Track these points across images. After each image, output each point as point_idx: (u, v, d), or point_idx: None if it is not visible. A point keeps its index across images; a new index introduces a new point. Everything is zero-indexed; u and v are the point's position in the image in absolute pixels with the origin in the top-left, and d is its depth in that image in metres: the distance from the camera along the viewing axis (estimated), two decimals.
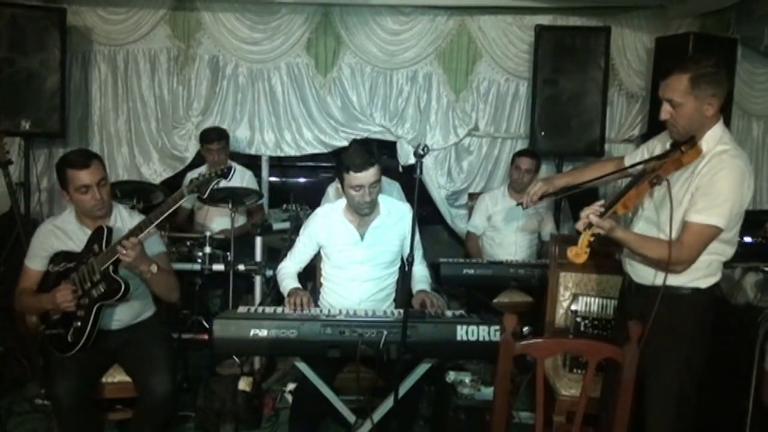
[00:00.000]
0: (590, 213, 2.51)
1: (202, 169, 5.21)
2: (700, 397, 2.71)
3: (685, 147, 2.53)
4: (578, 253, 2.50)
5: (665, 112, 2.58)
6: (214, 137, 5.07)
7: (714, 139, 2.55)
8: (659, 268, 2.60)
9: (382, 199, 3.38)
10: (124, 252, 2.96)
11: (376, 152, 3.19)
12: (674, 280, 2.58)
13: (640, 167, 2.77)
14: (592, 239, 2.50)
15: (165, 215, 3.07)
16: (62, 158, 3.23)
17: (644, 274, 2.73)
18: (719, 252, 2.62)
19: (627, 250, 2.79)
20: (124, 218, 3.36)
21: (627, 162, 2.99)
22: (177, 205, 3.08)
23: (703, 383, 2.70)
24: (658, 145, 2.83)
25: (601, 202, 2.60)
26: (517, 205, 3.31)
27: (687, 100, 2.51)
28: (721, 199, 2.46)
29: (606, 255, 3.39)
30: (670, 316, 2.59)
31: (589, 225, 2.50)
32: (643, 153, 2.90)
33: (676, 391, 2.63)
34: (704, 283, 2.64)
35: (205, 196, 3.13)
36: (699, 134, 2.56)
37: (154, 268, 3.13)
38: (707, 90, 2.49)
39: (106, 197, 3.21)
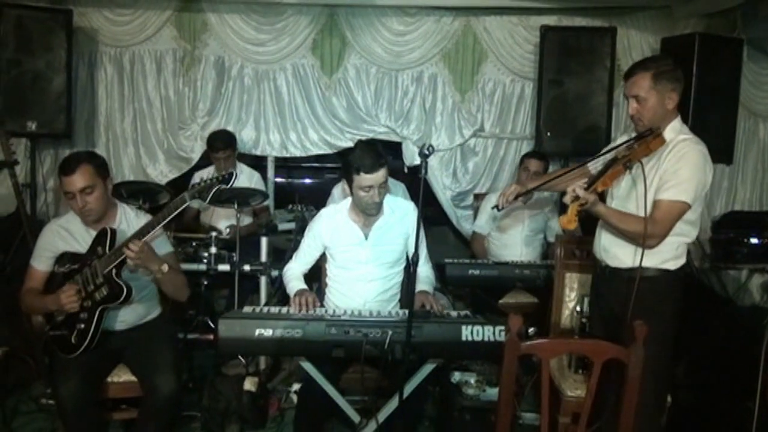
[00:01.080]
0: (576, 187, 2.74)
1: (211, 170, 5.24)
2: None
3: (651, 135, 2.82)
4: (570, 219, 2.71)
5: (632, 108, 2.89)
6: (219, 146, 5.09)
7: (674, 130, 2.88)
8: (635, 243, 2.84)
9: (386, 198, 3.38)
10: (132, 255, 2.97)
11: (383, 153, 3.20)
12: (646, 262, 2.80)
13: (611, 154, 3.03)
14: (579, 208, 2.72)
15: (168, 219, 3.07)
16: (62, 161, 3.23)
17: (620, 257, 2.97)
18: (685, 233, 2.89)
19: (601, 235, 3.09)
20: (129, 219, 3.36)
21: (590, 166, 3.26)
22: (179, 210, 3.07)
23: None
24: (619, 138, 3.18)
25: (585, 180, 2.88)
26: (492, 208, 3.46)
27: (650, 95, 2.83)
28: (686, 177, 2.75)
29: None
30: (643, 297, 2.80)
31: (576, 198, 2.72)
32: (606, 155, 3.12)
33: (655, 370, 2.73)
34: (673, 265, 2.91)
35: (207, 201, 3.13)
36: (662, 126, 2.86)
37: (165, 268, 3.14)
38: (667, 85, 2.83)
39: (94, 204, 3.17)
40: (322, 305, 3.31)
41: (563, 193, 2.84)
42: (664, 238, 2.81)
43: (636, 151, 2.82)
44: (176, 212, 3.07)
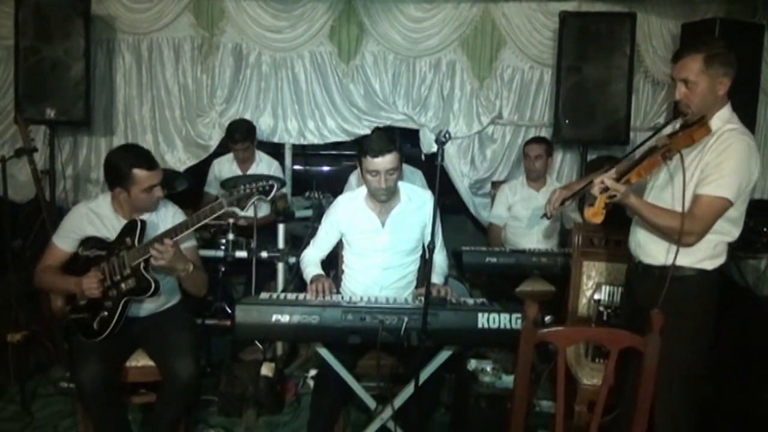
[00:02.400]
0: (605, 177, 2.62)
1: (230, 157, 5.25)
2: (722, 387, 2.72)
3: (695, 126, 2.65)
4: (596, 212, 2.62)
5: (680, 92, 2.69)
6: (238, 138, 5.11)
7: (722, 119, 2.67)
8: (671, 240, 2.67)
9: (403, 186, 3.39)
10: (159, 255, 3.01)
11: (398, 140, 3.19)
12: (681, 261, 2.66)
13: (651, 142, 2.84)
14: (608, 201, 2.61)
15: (202, 222, 3.09)
16: (124, 158, 3.21)
17: (654, 253, 2.80)
18: (725, 232, 2.70)
19: (636, 230, 2.92)
20: (158, 210, 3.39)
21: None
22: (215, 215, 3.08)
23: (728, 374, 2.71)
24: (668, 128, 2.90)
25: (614, 171, 2.76)
26: (542, 217, 3.31)
27: (701, 79, 2.62)
28: (729, 171, 2.56)
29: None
30: (677, 297, 2.64)
31: (605, 189, 2.60)
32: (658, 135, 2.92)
33: (684, 370, 2.68)
34: (710, 265, 2.72)
35: (245, 211, 3.12)
36: (709, 114, 2.67)
37: (190, 267, 3.19)
38: (719, 69, 2.62)
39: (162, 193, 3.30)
40: (338, 292, 3.32)
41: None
42: (702, 236, 2.63)
43: (678, 140, 2.64)
44: (213, 216, 3.08)
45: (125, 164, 3.17)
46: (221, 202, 3.06)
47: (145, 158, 3.21)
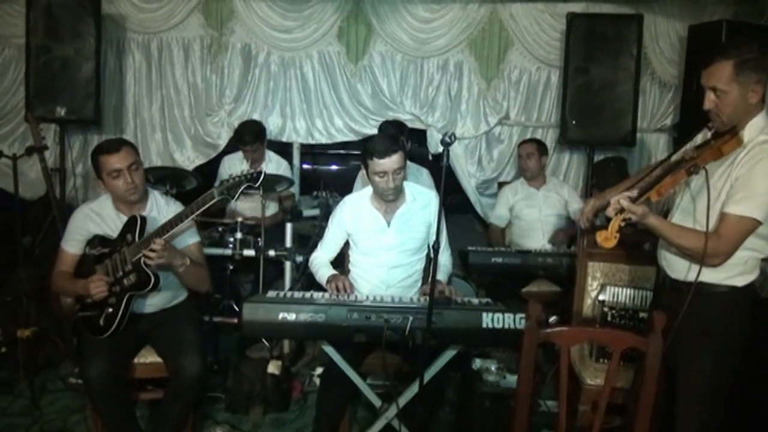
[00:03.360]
0: (621, 198, 2.45)
1: (240, 155, 5.28)
2: (734, 395, 2.64)
3: (726, 136, 2.46)
4: (608, 237, 2.45)
5: (709, 101, 2.50)
6: (249, 140, 5.12)
7: (756, 128, 2.47)
8: (694, 261, 2.52)
9: (408, 186, 3.41)
10: (152, 255, 3.03)
11: (406, 134, 3.20)
12: (710, 277, 2.51)
13: (677, 155, 2.69)
14: (623, 224, 2.44)
15: (196, 214, 3.10)
16: (96, 147, 3.30)
17: (679, 268, 2.64)
18: (756, 248, 2.53)
19: (662, 242, 2.73)
20: (160, 206, 3.42)
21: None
22: (207, 206, 3.09)
23: (739, 381, 2.65)
24: (699, 137, 2.72)
25: (632, 188, 2.56)
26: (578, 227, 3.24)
27: (731, 88, 2.43)
28: (761, 190, 2.38)
29: (635, 245, 3.37)
30: (705, 314, 2.53)
31: (621, 210, 2.44)
32: (686, 147, 2.75)
33: (708, 389, 2.56)
34: (741, 281, 2.54)
35: (235, 199, 3.14)
36: (741, 123, 2.48)
37: (187, 261, 3.20)
38: (752, 76, 2.41)
39: (138, 181, 3.25)
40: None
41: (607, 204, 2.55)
42: (728, 257, 2.47)
43: (705, 153, 2.46)
44: (204, 207, 3.09)
45: (94, 152, 3.22)
46: (212, 192, 3.08)
47: (110, 143, 3.23)
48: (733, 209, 2.41)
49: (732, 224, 2.42)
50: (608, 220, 2.50)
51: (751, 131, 2.47)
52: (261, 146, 5.22)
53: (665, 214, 2.83)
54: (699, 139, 2.70)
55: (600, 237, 2.47)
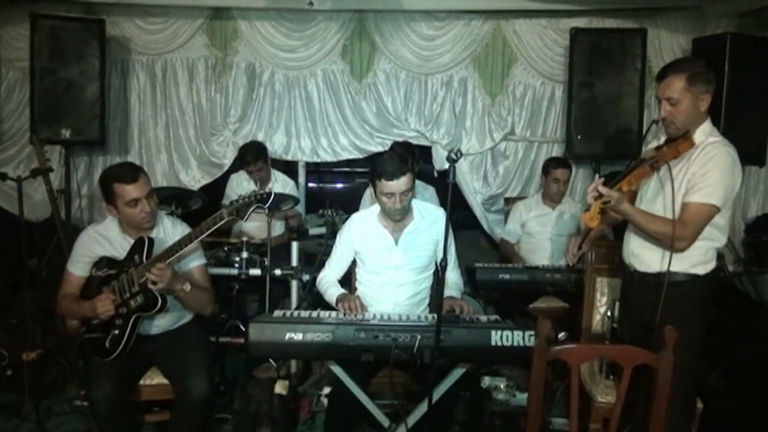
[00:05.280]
0: (598, 185, 2.75)
1: (246, 175, 5.29)
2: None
3: (680, 139, 2.79)
4: (592, 216, 2.77)
5: (665, 110, 2.83)
6: (251, 159, 5.14)
7: (705, 132, 2.84)
8: (663, 246, 2.83)
9: (416, 204, 3.39)
10: (155, 278, 3.02)
11: (416, 155, 3.19)
12: (674, 267, 2.79)
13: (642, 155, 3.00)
14: (603, 206, 2.76)
15: (204, 235, 3.09)
16: (107, 173, 3.26)
17: (649, 261, 2.94)
18: (714, 238, 2.86)
19: (629, 240, 3.07)
20: (166, 228, 3.41)
21: None
22: (217, 227, 3.08)
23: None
24: (654, 142, 3.06)
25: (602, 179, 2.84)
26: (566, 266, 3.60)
27: (684, 97, 2.78)
28: (714, 180, 2.73)
29: None
30: (670, 302, 2.77)
31: (599, 195, 2.73)
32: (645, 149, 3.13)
33: (679, 372, 2.61)
34: (702, 270, 2.87)
35: (245, 220, 3.12)
36: (692, 129, 2.82)
37: (187, 287, 3.18)
38: (701, 87, 2.79)
39: (155, 209, 3.27)
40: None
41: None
42: (693, 240, 2.78)
43: (664, 153, 2.79)
44: (214, 228, 3.07)
45: (107, 180, 3.19)
46: (221, 213, 3.06)
47: (126, 171, 3.19)
48: (694, 198, 2.76)
49: (694, 211, 2.76)
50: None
51: (700, 135, 2.84)
52: (265, 164, 5.22)
53: None
54: (654, 144, 3.03)
55: (585, 217, 2.80)
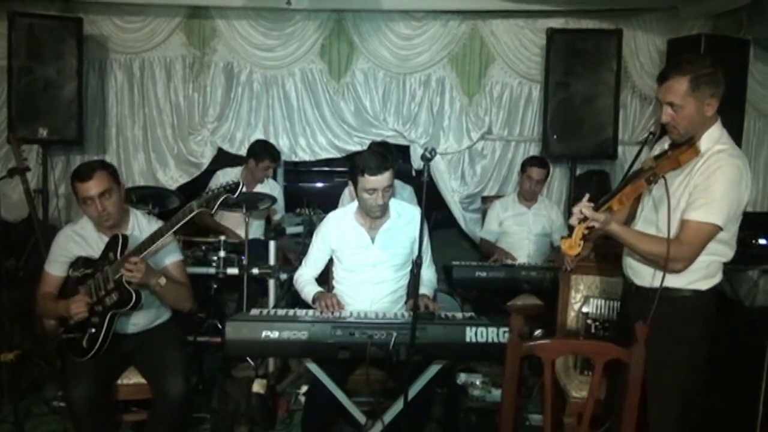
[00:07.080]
0: (583, 207, 2.51)
1: (237, 171, 5.32)
2: (710, 398, 2.72)
3: (683, 146, 2.55)
4: (571, 245, 2.50)
5: (666, 115, 2.56)
6: (266, 157, 5.18)
7: (712, 139, 2.55)
8: (657, 267, 2.58)
9: (393, 203, 3.41)
10: (129, 273, 3.01)
11: (394, 155, 3.20)
12: (674, 282, 2.58)
13: (636, 165, 2.78)
14: (586, 232, 2.50)
15: (176, 227, 3.09)
16: (73, 170, 3.26)
17: (644, 275, 2.72)
18: (718, 253, 2.61)
19: (626, 250, 2.81)
20: (141, 225, 3.40)
21: None
22: (187, 219, 3.08)
23: (716, 385, 2.69)
24: (657, 148, 2.81)
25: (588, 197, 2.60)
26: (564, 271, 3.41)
27: (687, 102, 2.50)
28: (718, 196, 2.46)
29: (617, 257, 3.39)
30: (671, 318, 2.59)
31: (584, 219, 2.49)
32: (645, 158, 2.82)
33: (678, 391, 2.63)
34: (704, 285, 2.63)
35: (213, 211, 3.11)
36: (698, 134, 2.56)
37: (162, 281, 3.17)
38: (706, 90, 2.50)
39: (112, 209, 3.20)
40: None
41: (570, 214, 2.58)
42: (691, 262, 2.54)
43: (663, 163, 2.55)
44: (184, 221, 3.07)
45: (71, 178, 3.20)
46: (191, 205, 3.07)
47: (83, 169, 3.18)
48: (693, 215, 2.49)
49: (693, 230, 2.50)
50: (572, 230, 2.53)
51: (707, 141, 2.55)
52: (272, 167, 5.29)
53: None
54: (657, 149, 2.77)
55: (565, 245, 2.52)
